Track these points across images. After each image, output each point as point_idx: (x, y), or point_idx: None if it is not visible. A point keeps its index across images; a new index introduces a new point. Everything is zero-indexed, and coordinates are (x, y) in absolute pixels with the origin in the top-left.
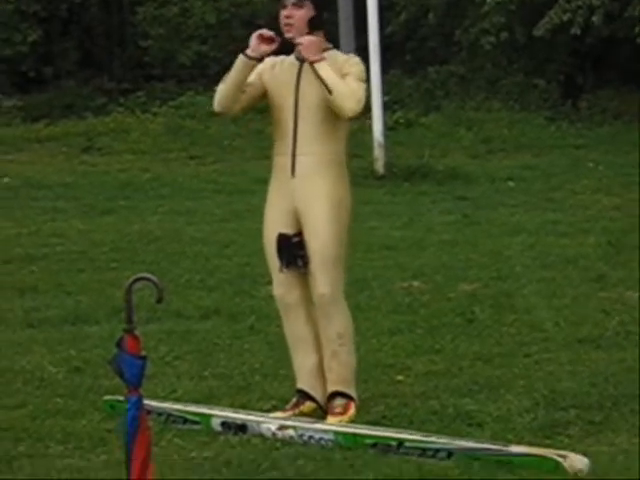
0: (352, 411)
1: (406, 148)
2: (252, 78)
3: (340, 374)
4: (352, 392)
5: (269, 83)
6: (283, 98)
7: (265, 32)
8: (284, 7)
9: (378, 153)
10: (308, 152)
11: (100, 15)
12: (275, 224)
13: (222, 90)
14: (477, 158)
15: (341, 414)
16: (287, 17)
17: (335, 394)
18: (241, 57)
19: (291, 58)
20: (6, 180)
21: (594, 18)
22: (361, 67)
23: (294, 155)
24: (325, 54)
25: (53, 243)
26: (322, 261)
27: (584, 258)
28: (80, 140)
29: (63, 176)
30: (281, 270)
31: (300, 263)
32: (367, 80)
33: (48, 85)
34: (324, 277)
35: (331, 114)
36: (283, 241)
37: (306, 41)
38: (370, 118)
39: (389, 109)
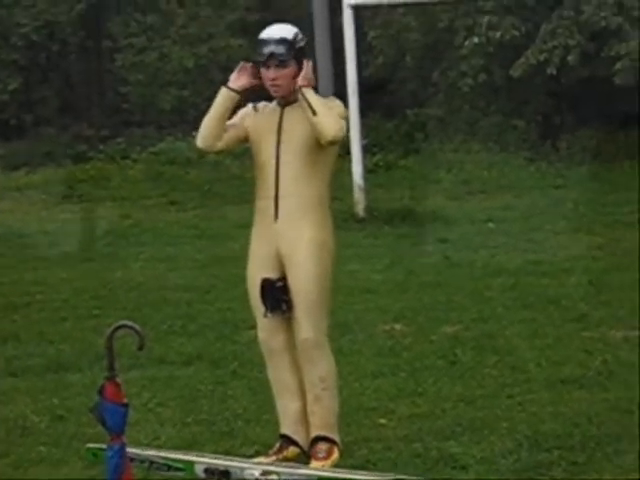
0: (335, 455)
1: (386, 191)
2: (235, 120)
3: (323, 418)
4: (335, 436)
5: (251, 127)
6: (265, 142)
7: (247, 66)
8: (267, 67)
9: (358, 196)
10: (291, 194)
11: (79, 62)
12: (259, 268)
13: (205, 123)
14: (457, 200)
15: (325, 459)
16: (273, 80)
17: (318, 438)
18: (223, 89)
19: (273, 104)
20: None
21: (570, 58)
22: (342, 107)
23: (277, 198)
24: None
25: (34, 291)
26: (306, 305)
27: (565, 298)
28: (60, 188)
29: (43, 224)
30: (265, 315)
31: (284, 307)
32: (347, 123)
33: (27, 133)
34: (308, 321)
35: (313, 156)
36: (267, 286)
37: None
38: (350, 161)
39: (368, 152)
